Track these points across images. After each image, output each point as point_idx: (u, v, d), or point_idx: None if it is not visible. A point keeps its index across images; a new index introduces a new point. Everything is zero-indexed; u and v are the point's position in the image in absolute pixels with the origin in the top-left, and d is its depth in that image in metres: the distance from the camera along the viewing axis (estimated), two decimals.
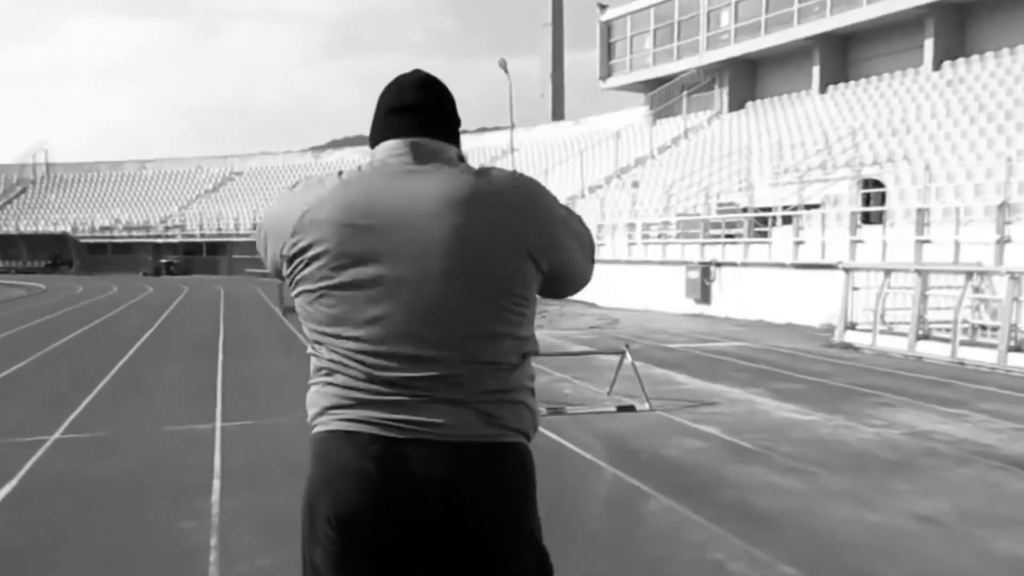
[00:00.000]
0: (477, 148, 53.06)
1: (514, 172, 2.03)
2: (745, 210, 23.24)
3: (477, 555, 1.93)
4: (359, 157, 62.99)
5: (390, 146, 2.05)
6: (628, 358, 9.69)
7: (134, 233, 62.67)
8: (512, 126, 33.95)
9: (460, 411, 1.91)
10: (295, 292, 2.01)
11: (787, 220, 21.40)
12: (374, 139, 2.11)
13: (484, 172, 2.01)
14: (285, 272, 2.02)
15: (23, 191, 71.47)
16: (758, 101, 37.19)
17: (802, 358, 13.24)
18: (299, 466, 2.20)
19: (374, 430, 1.91)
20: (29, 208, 68.29)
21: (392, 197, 1.93)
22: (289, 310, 21.87)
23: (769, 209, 22.40)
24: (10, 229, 64.50)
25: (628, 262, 25.46)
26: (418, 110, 2.07)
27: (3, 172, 73.55)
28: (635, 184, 34.38)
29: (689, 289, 22.37)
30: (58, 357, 13.70)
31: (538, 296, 2.08)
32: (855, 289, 15.02)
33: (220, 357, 13.33)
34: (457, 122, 2.15)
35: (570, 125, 51.46)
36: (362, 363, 1.92)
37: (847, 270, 15.20)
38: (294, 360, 12.71)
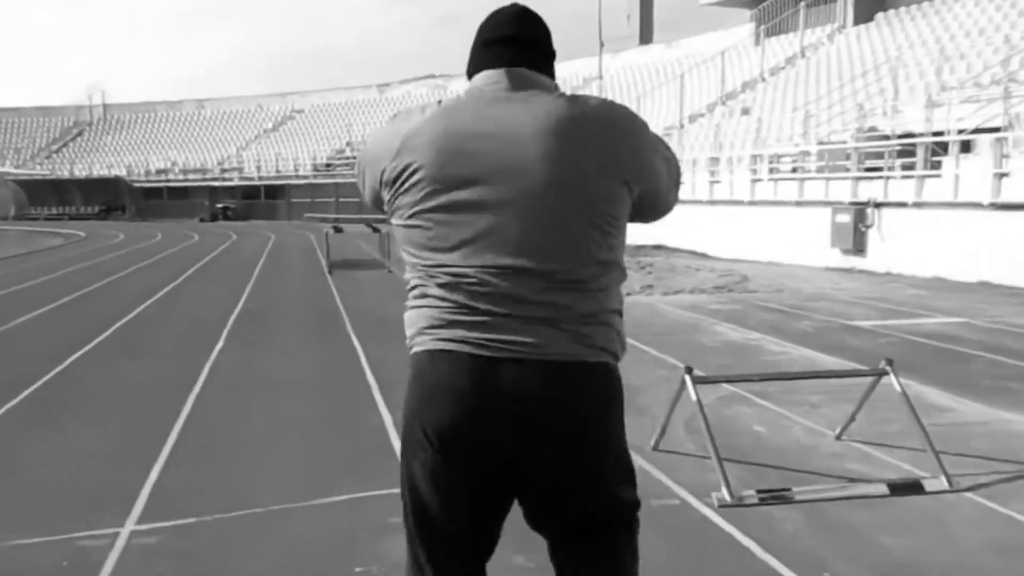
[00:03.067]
0: (559, 78, 47.72)
1: (606, 99, 2.09)
2: (908, 136, 18.21)
3: (566, 466, 2.02)
4: (427, 92, 58.65)
5: (487, 75, 2.10)
6: (893, 381, 5.12)
7: (190, 176, 58.98)
8: (601, 46, 29.14)
9: (552, 331, 1.97)
10: (394, 216, 2.07)
11: (965, 147, 16.43)
12: (471, 70, 2.16)
13: (578, 98, 2.06)
14: (385, 197, 2.08)
15: (79, 134, 68.54)
16: (891, 11, 31.64)
17: None
18: None
19: (469, 349, 1.98)
20: (84, 152, 65.31)
21: (489, 122, 1.99)
22: (335, 266, 17.68)
23: (940, 133, 17.39)
24: (63, 173, 61.40)
25: (751, 203, 20.62)
26: (515, 41, 2.12)
27: (60, 114, 70.71)
28: (745, 111, 29.43)
29: (837, 236, 17.55)
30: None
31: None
32: None
33: (218, 347, 9.10)
34: (552, 54, 2.20)
35: (661, 48, 46.04)
36: (458, 285, 1.98)
37: None
38: (325, 352, 8.43)
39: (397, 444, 5.45)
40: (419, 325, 2.08)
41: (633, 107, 25.15)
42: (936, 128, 17.95)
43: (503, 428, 1.97)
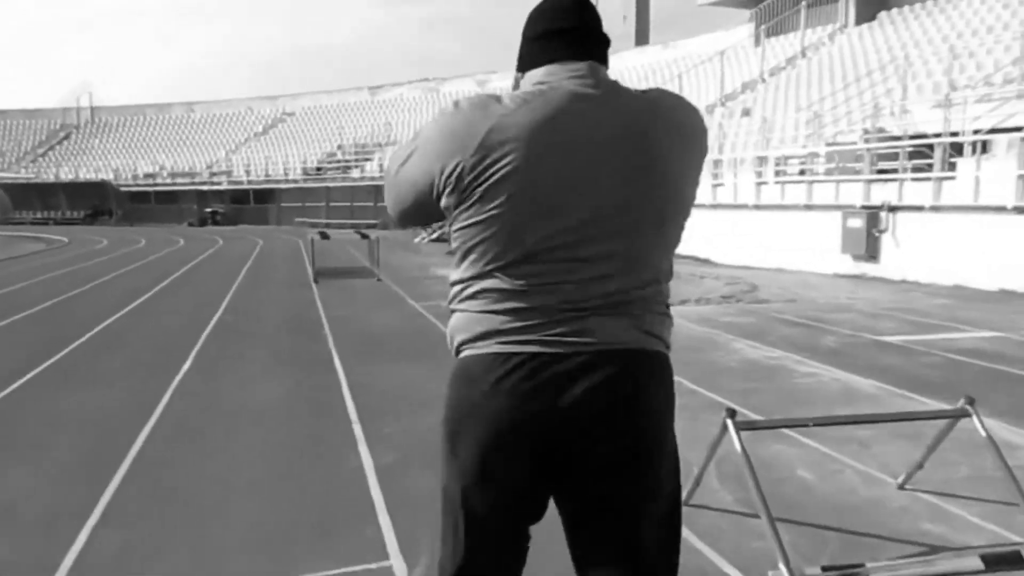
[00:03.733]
0: None
1: (678, 97, 2.03)
2: (920, 136, 17.38)
3: (629, 455, 1.96)
4: (420, 95, 57.88)
5: (564, 68, 1.98)
6: (977, 424, 4.24)
7: (178, 180, 57.95)
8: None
9: (619, 322, 1.94)
10: (465, 212, 1.93)
11: (983, 148, 15.61)
12: (531, 61, 2.05)
13: (658, 94, 2.01)
14: (451, 197, 1.94)
15: (66, 137, 67.50)
16: (895, 10, 30.88)
17: None
18: None
19: (533, 348, 1.92)
20: (71, 155, 64.32)
21: (580, 120, 1.90)
22: (319, 275, 16.80)
23: (956, 134, 16.55)
24: (49, 177, 60.41)
25: (756, 207, 19.77)
26: (584, 32, 2.02)
27: (46, 117, 69.68)
28: (746, 112, 28.65)
29: (848, 242, 16.71)
30: None
31: None
32: None
33: (183, 369, 8.20)
34: (608, 43, 2.09)
35: (658, 50, 45.27)
36: (532, 287, 1.93)
37: None
38: (302, 376, 7.53)
39: (379, 494, 4.56)
40: (484, 327, 1.99)
41: None
42: (950, 128, 17.12)
43: (569, 421, 1.94)
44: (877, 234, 16.09)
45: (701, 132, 2.02)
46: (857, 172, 17.56)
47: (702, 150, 2.03)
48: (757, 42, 35.67)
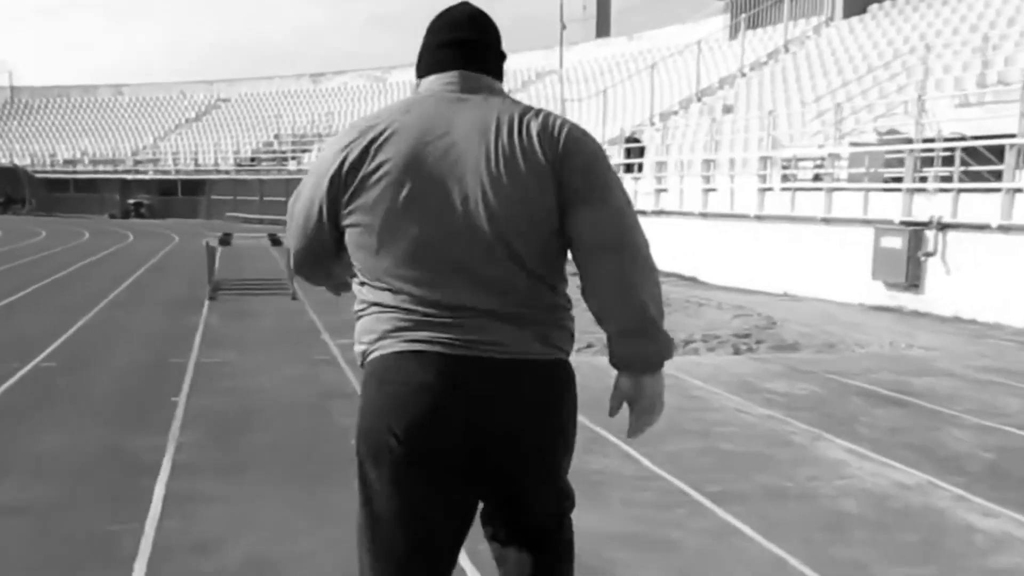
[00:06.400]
0: (511, 71, 43.52)
1: (548, 111, 2.17)
2: (958, 139, 14.18)
3: (524, 459, 2.10)
4: (364, 83, 54.15)
5: (440, 77, 2.17)
6: None
7: (100, 168, 53.28)
8: (563, 28, 24.94)
9: (516, 330, 2.04)
10: (348, 218, 2.07)
11: None
12: (423, 70, 2.22)
13: (531, 108, 2.15)
14: (340, 188, 2.07)
15: None
16: (888, 2, 27.95)
17: None
18: None
19: (438, 348, 2.02)
20: None
21: (443, 123, 2.06)
22: (217, 290, 13.18)
23: (979, 138, 13.38)
24: None
25: (759, 218, 16.44)
26: (466, 44, 2.17)
27: None
28: (728, 108, 25.49)
29: (881, 266, 13.45)
30: None
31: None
32: None
33: None
34: (503, 56, 2.26)
35: (623, 42, 41.87)
36: (420, 288, 2.02)
37: None
38: (106, 492, 3.94)
39: None
40: (381, 329, 2.08)
41: (592, 104, 21.17)
42: (979, 131, 13.97)
43: (468, 424, 2.02)
44: (923, 258, 12.85)
45: (559, 152, 2.07)
46: (885, 180, 14.32)
47: (558, 167, 2.05)
48: (732, 34, 32.82)
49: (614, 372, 2.20)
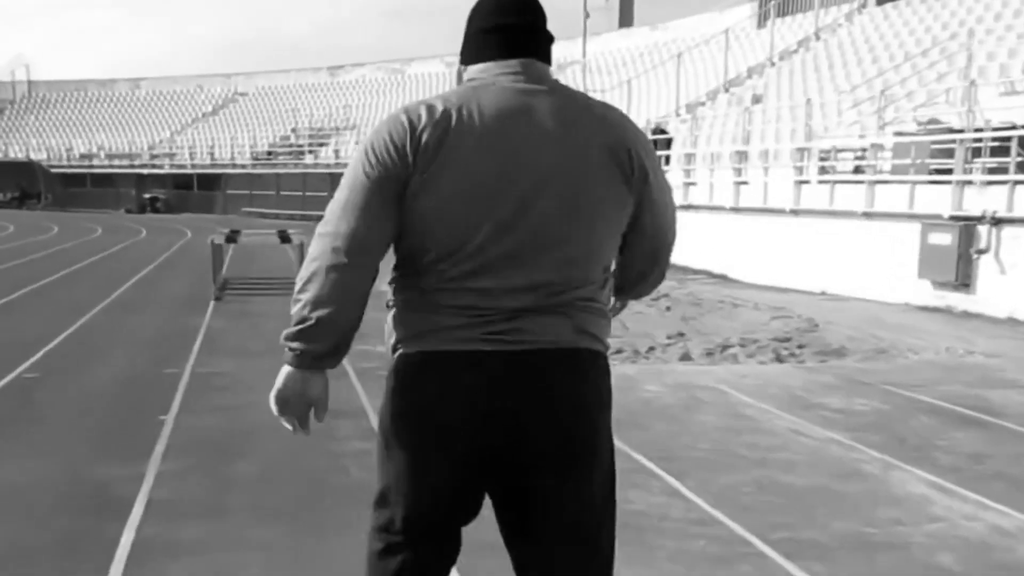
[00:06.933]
0: None
1: (622, 113, 2.13)
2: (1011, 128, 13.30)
3: (567, 447, 2.01)
4: (383, 76, 53.27)
5: (499, 65, 2.03)
6: None
7: (116, 163, 52.74)
8: (586, 16, 24.15)
9: (557, 321, 1.98)
10: (406, 202, 1.96)
11: None
12: (470, 57, 2.10)
13: (602, 105, 2.11)
14: (411, 160, 1.95)
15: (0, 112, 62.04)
16: None
17: None
18: None
19: (479, 345, 1.95)
20: (2, 132, 58.86)
21: (512, 116, 1.96)
22: (224, 289, 12.50)
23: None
24: None
25: (794, 212, 15.59)
26: (521, 30, 2.06)
27: None
28: (757, 99, 24.61)
29: (929, 264, 12.59)
30: None
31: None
32: None
33: None
34: (552, 39, 2.14)
35: (645, 32, 40.82)
36: (477, 281, 1.95)
37: None
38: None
39: None
40: (419, 327, 2.01)
41: (619, 93, 20.44)
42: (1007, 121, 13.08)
43: (509, 416, 1.97)
44: (975, 255, 11.99)
45: (632, 142, 2.05)
46: (929, 171, 13.46)
47: (627, 158, 2.02)
48: (760, 23, 31.91)
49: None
